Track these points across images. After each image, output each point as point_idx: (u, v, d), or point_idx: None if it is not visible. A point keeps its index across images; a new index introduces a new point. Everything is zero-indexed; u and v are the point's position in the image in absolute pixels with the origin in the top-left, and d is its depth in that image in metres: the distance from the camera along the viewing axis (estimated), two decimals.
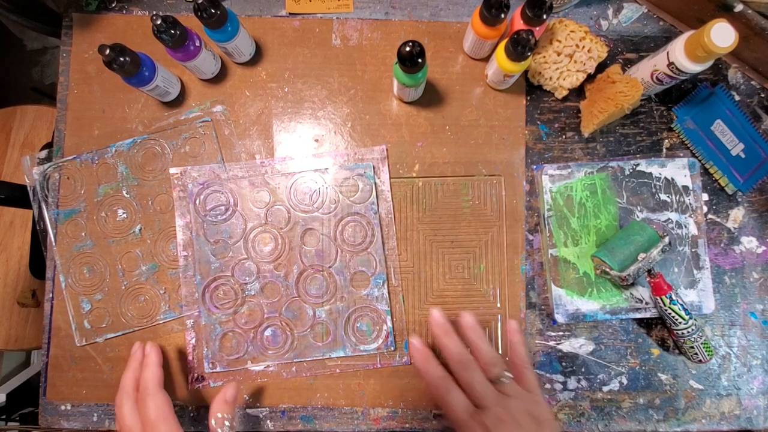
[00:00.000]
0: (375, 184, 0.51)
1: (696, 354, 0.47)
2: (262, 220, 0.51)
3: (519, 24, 0.46)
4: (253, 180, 0.51)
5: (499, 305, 0.51)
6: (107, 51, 0.42)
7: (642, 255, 0.47)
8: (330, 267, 0.50)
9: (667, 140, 0.53)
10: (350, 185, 0.51)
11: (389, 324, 0.50)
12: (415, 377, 0.51)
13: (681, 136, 0.53)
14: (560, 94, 0.52)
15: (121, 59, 0.43)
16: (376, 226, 0.50)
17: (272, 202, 0.51)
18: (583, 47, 0.50)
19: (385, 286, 0.50)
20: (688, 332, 0.47)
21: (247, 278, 0.50)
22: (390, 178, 0.52)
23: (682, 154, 0.52)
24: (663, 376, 0.51)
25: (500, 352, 0.50)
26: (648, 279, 0.48)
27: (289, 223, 0.51)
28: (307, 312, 0.50)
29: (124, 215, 0.52)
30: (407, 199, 0.52)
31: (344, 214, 0.51)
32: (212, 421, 0.42)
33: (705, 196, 0.53)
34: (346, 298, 0.50)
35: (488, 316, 0.51)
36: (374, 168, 0.51)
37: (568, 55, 0.50)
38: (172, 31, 0.44)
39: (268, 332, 0.50)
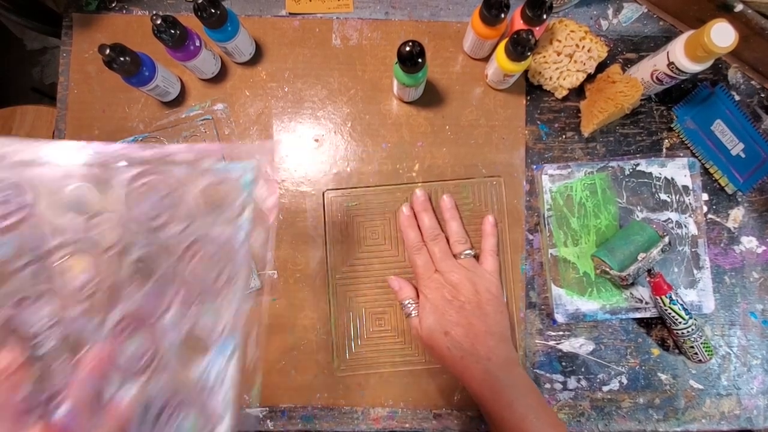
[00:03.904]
0: (253, 195, 0.32)
1: (696, 354, 0.47)
2: (77, 234, 0.29)
3: (519, 24, 0.46)
4: (67, 169, 0.29)
5: (504, 298, 0.51)
6: (107, 51, 0.42)
7: (642, 255, 0.47)
8: (159, 319, 0.30)
9: (667, 140, 0.53)
10: (215, 194, 0.32)
11: None
12: (414, 377, 0.51)
13: (681, 136, 0.53)
14: (560, 94, 0.52)
15: (121, 59, 0.43)
16: (241, 262, 0.32)
17: (98, 208, 0.30)
18: (583, 47, 0.50)
19: (234, 359, 0.30)
20: (688, 332, 0.47)
21: (37, 325, 0.27)
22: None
23: (682, 154, 0.52)
24: (663, 376, 0.51)
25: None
26: (648, 279, 0.48)
27: (118, 245, 0.30)
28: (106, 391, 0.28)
29: None
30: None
31: (198, 236, 0.31)
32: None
33: (705, 196, 0.53)
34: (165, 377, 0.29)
35: None
36: (257, 172, 0.32)
37: (568, 55, 0.50)
38: (172, 31, 0.44)
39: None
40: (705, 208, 0.52)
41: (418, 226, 0.50)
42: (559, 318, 0.50)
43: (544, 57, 0.50)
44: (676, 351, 0.51)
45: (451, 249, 0.49)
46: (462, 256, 0.48)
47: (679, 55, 0.44)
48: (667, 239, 0.47)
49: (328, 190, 0.52)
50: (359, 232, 0.52)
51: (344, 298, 0.51)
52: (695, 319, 0.47)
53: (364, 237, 0.52)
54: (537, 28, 0.46)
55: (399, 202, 0.52)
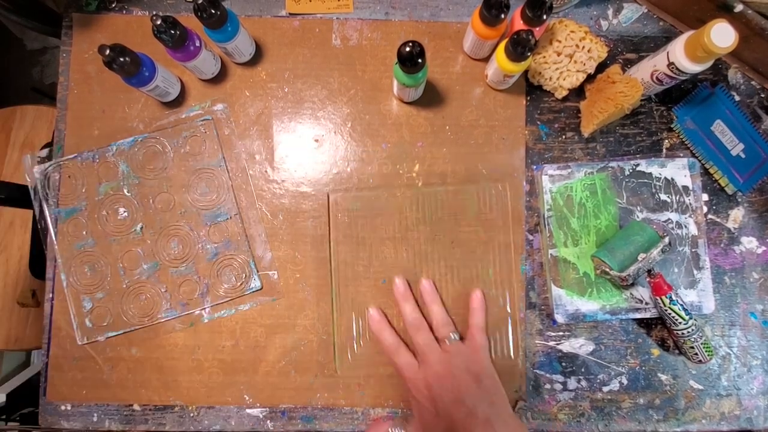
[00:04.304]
0: None
1: (696, 354, 0.47)
2: None
3: (519, 24, 0.46)
4: None
5: (509, 309, 0.51)
6: (107, 51, 0.42)
7: (642, 255, 0.47)
8: None
9: (667, 140, 0.53)
10: None
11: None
12: None
13: (681, 136, 0.53)
14: (560, 94, 0.52)
15: (121, 59, 0.43)
16: None
17: None
18: (583, 47, 0.50)
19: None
20: (688, 332, 0.47)
21: None
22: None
23: (682, 155, 0.52)
24: (663, 376, 0.51)
25: (512, 355, 0.50)
26: (648, 279, 0.48)
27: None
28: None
29: (125, 214, 0.52)
30: (411, 209, 0.51)
31: None
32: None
33: (705, 196, 0.53)
34: None
35: (499, 320, 0.51)
36: None
37: (568, 55, 0.50)
38: (172, 31, 0.44)
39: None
40: (705, 209, 0.52)
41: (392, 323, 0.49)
42: (559, 318, 0.50)
43: (544, 57, 0.50)
44: (676, 351, 0.51)
45: (434, 333, 0.48)
46: (448, 342, 0.47)
47: (679, 56, 0.44)
48: (667, 240, 0.47)
49: (332, 191, 0.52)
50: (363, 234, 0.51)
51: (347, 299, 0.51)
52: (695, 320, 0.47)
53: (368, 238, 0.51)
54: (537, 29, 0.46)
55: (403, 204, 0.51)
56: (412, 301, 0.49)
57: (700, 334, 0.47)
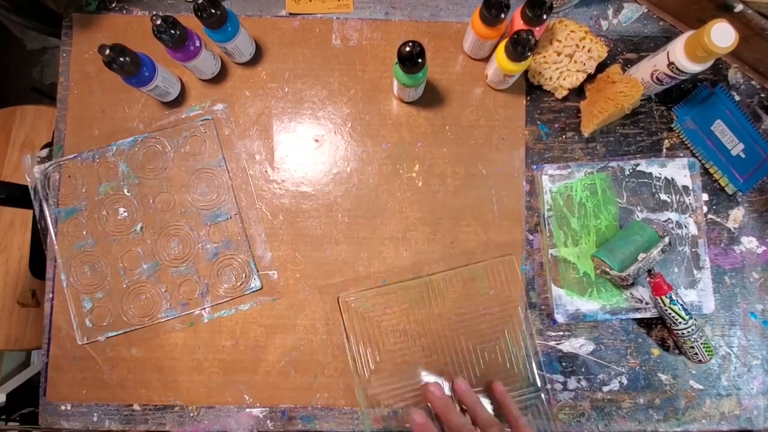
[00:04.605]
0: None
1: (696, 354, 0.47)
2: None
3: (519, 24, 0.46)
4: None
5: (538, 383, 0.50)
6: (107, 51, 0.42)
7: (642, 255, 0.47)
8: None
9: (667, 140, 0.53)
10: None
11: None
12: (414, 380, 0.51)
13: (681, 136, 0.53)
14: (560, 94, 0.52)
15: (121, 59, 0.43)
16: None
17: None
18: (583, 47, 0.50)
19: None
20: (688, 332, 0.47)
21: None
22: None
23: (682, 154, 0.52)
24: (663, 376, 0.51)
25: (555, 428, 0.50)
26: (648, 279, 0.48)
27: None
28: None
29: (125, 214, 0.52)
30: (423, 300, 0.51)
31: None
32: None
33: (705, 196, 0.53)
34: None
35: (531, 398, 0.50)
36: None
37: (568, 55, 0.50)
38: (172, 31, 0.44)
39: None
40: (705, 209, 0.52)
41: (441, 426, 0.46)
42: (559, 318, 0.50)
43: (544, 57, 0.50)
44: (676, 351, 0.51)
45: None
46: None
47: (679, 56, 0.44)
48: (667, 239, 0.47)
49: (341, 293, 0.51)
50: (379, 331, 0.50)
51: (374, 397, 0.50)
52: (695, 320, 0.47)
53: (386, 334, 0.50)
54: (537, 29, 0.46)
55: (411, 297, 0.50)
56: (453, 407, 0.46)
57: (700, 334, 0.47)
